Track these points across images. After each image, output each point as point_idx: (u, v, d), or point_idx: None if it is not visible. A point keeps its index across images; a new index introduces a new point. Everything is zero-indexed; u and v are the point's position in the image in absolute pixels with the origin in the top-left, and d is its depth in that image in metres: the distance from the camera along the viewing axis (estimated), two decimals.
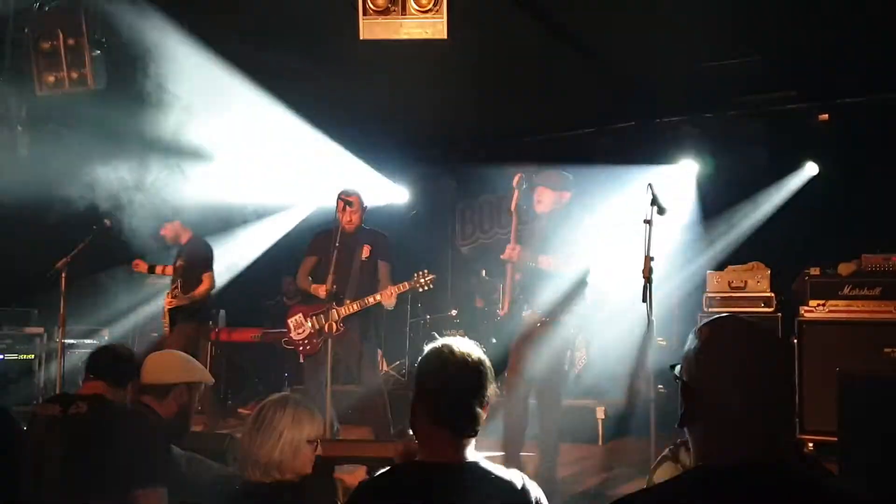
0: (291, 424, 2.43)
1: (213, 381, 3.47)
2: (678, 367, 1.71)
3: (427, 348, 2.23)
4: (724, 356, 1.61)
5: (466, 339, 2.24)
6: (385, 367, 8.42)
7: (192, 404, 3.26)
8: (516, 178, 5.33)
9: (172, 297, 6.99)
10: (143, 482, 2.90)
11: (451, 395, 2.11)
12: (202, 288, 6.95)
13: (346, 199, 5.91)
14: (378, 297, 5.77)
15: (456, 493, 2.03)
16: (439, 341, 2.22)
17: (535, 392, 5.10)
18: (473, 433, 2.13)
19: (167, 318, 7.03)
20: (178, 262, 7.08)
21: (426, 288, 5.78)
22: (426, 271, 5.77)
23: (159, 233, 7.26)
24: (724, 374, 1.59)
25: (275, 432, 2.40)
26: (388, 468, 2.16)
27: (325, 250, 5.85)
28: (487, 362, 2.20)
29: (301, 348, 5.91)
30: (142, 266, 7.44)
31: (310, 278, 6.03)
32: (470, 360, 2.16)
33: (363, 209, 6.07)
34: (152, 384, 3.20)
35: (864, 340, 6.18)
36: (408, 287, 5.77)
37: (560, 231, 5.15)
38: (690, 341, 1.69)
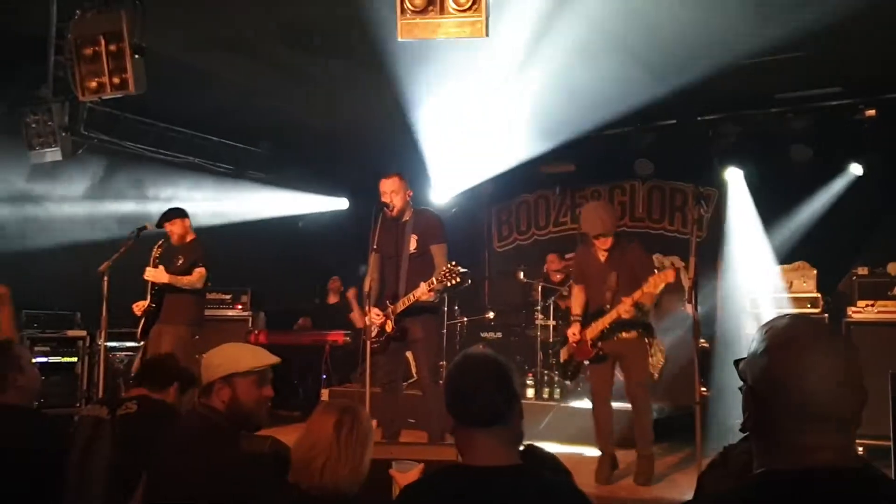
0: (333, 431, 2.35)
1: (254, 365, 3.03)
2: (741, 366, 1.64)
3: (461, 355, 2.28)
4: (797, 358, 1.53)
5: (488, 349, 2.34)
6: None
7: (239, 397, 2.96)
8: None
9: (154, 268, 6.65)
10: None
11: (473, 396, 2.12)
12: (191, 278, 6.69)
13: (385, 181, 5.77)
14: (413, 296, 5.55)
15: (500, 497, 2.01)
16: (470, 351, 2.30)
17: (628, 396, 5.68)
18: (507, 432, 2.12)
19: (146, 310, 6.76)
20: (179, 261, 6.77)
21: (455, 281, 5.38)
22: (454, 263, 5.42)
23: (164, 227, 6.95)
24: (798, 376, 1.51)
25: (319, 441, 2.33)
26: (431, 473, 2.16)
27: (383, 245, 5.75)
28: (506, 362, 2.24)
29: (374, 346, 5.74)
30: (141, 305, 6.85)
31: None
32: (487, 361, 2.20)
33: (406, 192, 5.81)
34: (203, 384, 3.06)
35: None
36: (435, 283, 5.41)
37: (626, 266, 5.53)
38: (757, 343, 1.62)
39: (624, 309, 5.31)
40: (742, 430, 1.66)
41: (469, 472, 2.08)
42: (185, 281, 6.67)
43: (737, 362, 1.66)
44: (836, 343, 1.57)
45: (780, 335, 1.59)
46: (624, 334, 5.49)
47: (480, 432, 2.09)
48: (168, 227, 6.93)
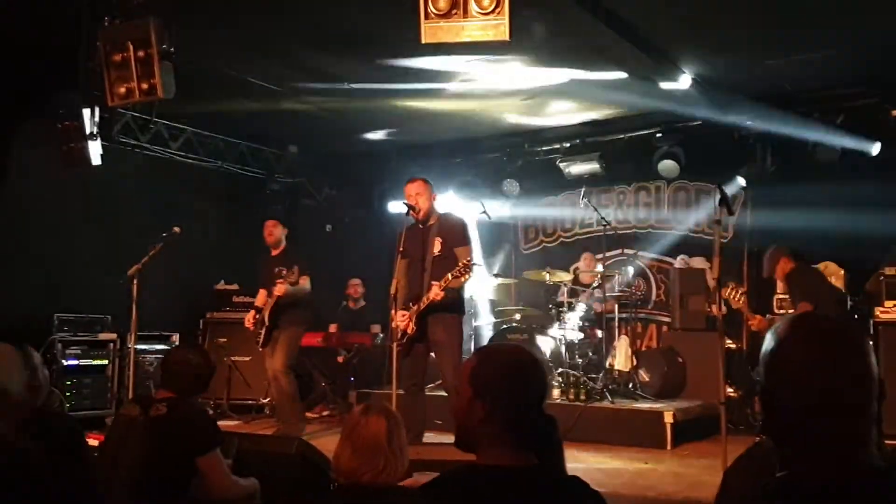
0: (386, 440, 2.40)
1: None
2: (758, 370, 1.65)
3: (491, 348, 2.22)
4: (799, 356, 1.51)
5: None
6: None
7: None
8: None
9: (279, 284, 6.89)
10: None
11: (519, 400, 2.06)
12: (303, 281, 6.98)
13: (410, 185, 5.87)
14: (428, 297, 5.61)
15: (517, 498, 1.97)
16: (503, 344, 2.23)
17: None
18: (535, 438, 2.08)
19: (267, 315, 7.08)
20: (278, 270, 7.05)
21: (466, 276, 5.50)
22: (468, 259, 5.47)
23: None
24: (799, 372, 1.49)
25: (376, 447, 2.38)
26: (445, 472, 2.12)
27: (409, 248, 5.82)
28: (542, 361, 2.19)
29: (399, 348, 5.81)
30: (250, 319, 7.27)
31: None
32: (538, 365, 2.13)
33: (431, 196, 5.90)
34: None
35: None
36: (450, 279, 5.48)
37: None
38: (767, 342, 1.60)
39: None
40: (761, 433, 1.66)
41: (485, 472, 2.02)
42: (300, 289, 7.01)
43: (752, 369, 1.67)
44: (837, 337, 1.54)
45: (784, 335, 1.57)
46: None
47: (511, 438, 2.03)
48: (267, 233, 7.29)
